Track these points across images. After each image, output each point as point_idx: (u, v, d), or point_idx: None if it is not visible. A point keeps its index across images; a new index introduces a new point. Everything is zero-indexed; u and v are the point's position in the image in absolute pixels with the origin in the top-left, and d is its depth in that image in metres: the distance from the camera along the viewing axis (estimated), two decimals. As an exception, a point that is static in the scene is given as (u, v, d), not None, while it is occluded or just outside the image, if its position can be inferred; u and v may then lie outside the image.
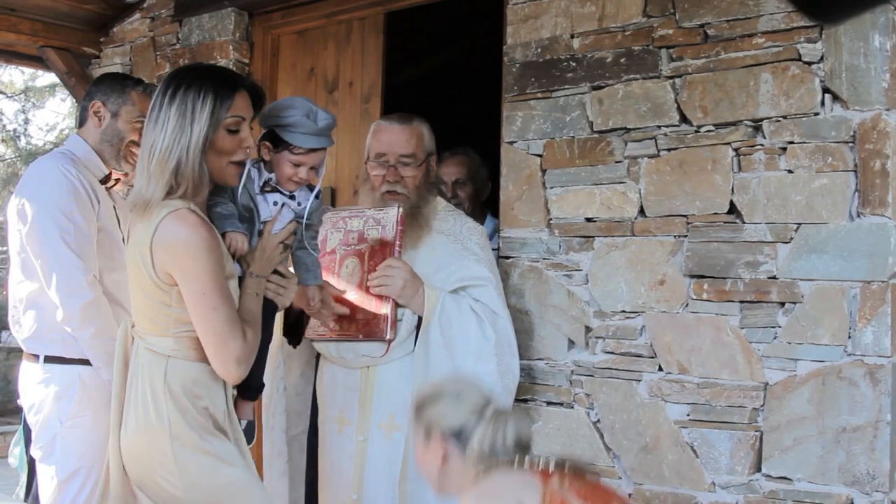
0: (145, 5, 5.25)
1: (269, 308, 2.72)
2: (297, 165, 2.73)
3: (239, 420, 2.73)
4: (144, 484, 2.48)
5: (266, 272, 2.66)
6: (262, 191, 2.70)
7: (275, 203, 2.72)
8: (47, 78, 12.71)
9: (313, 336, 3.29)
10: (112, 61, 5.39)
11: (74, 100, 5.58)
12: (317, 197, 2.85)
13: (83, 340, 3.15)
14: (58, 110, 12.29)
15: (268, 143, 2.75)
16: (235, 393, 2.74)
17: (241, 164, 2.56)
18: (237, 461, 2.51)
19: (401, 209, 3.27)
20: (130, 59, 5.33)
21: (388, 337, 3.23)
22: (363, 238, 3.32)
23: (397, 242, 3.28)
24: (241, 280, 2.61)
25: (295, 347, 3.35)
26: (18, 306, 3.29)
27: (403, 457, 3.25)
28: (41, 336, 3.22)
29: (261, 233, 2.70)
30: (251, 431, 2.85)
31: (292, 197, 2.76)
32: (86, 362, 3.20)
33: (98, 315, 3.14)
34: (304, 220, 2.80)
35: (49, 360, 3.21)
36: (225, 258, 2.47)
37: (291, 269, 2.89)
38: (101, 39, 5.46)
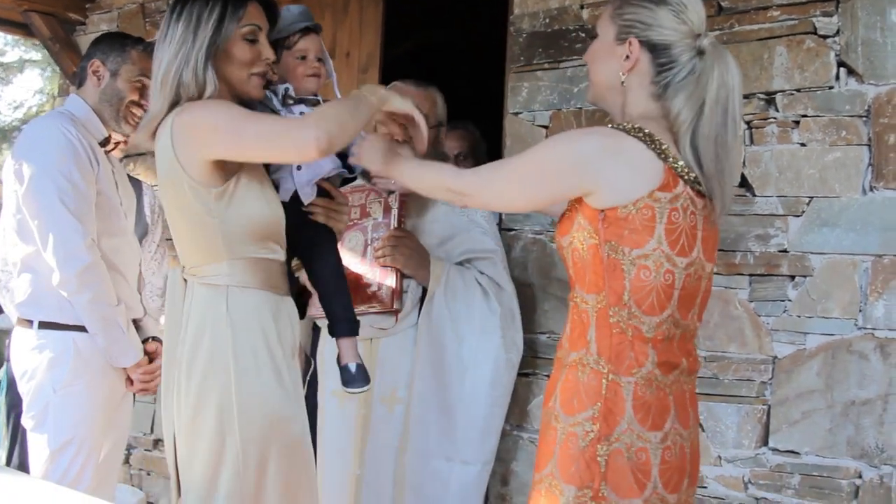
0: (133, -29, 5.15)
1: (326, 234, 2.59)
2: (302, 58, 2.62)
3: (345, 366, 2.59)
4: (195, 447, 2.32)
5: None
6: (285, 104, 2.57)
7: (301, 113, 2.56)
8: (15, 53, 12.47)
9: (317, 314, 3.20)
10: (98, 28, 5.26)
11: (58, 67, 5.45)
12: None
13: (79, 305, 3.05)
14: (28, 86, 12.06)
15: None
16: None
17: (264, 76, 2.44)
18: (303, 418, 2.40)
19: None
20: (118, 26, 5.21)
21: (395, 307, 3.18)
22: (366, 212, 3.26)
23: (401, 213, 3.22)
24: (286, 206, 2.46)
25: None
26: (12, 270, 3.19)
27: (403, 429, 3.20)
28: (36, 301, 3.11)
29: None
30: (363, 376, 2.60)
31: (316, 103, 2.58)
32: (81, 328, 3.09)
33: (96, 279, 3.05)
34: None
35: (43, 325, 3.10)
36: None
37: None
38: (87, 5, 5.33)
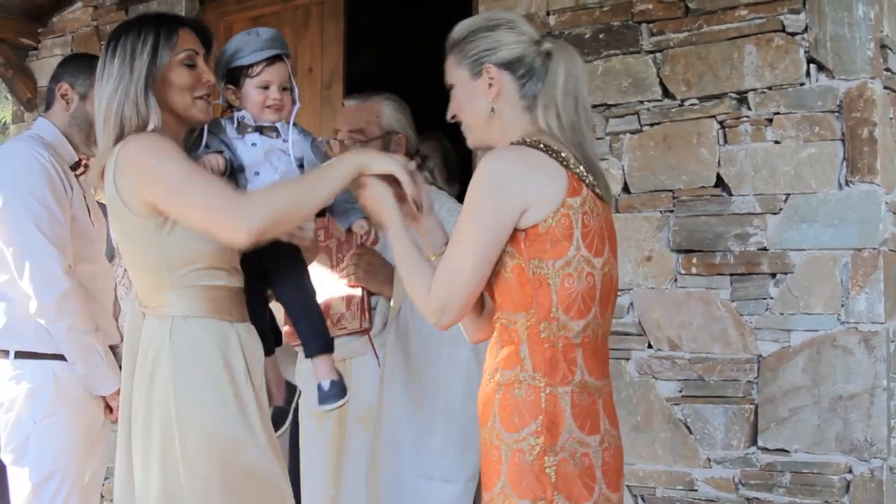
0: (86, -7, 5.06)
1: (292, 253, 2.52)
2: (264, 88, 2.48)
3: (319, 384, 2.52)
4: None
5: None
6: (241, 132, 2.46)
7: (253, 144, 2.45)
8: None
9: (293, 342, 3.12)
10: (52, 52, 5.16)
11: (11, 93, 5.34)
12: (296, 126, 2.55)
13: (58, 333, 2.96)
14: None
15: (230, 86, 2.51)
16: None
17: (207, 99, 2.38)
18: (260, 442, 2.32)
19: None
20: (72, 50, 5.09)
21: (363, 326, 3.12)
22: (329, 233, 3.19)
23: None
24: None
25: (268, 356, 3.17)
26: None
27: (373, 447, 3.15)
28: (12, 330, 3.02)
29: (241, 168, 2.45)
30: (338, 391, 2.54)
31: (274, 131, 2.47)
32: (60, 357, 3.00)
33: (73, 306, 2.96)
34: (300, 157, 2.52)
35: (20, 355, 3.01)
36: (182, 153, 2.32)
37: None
38: (40, 30, 5.22)
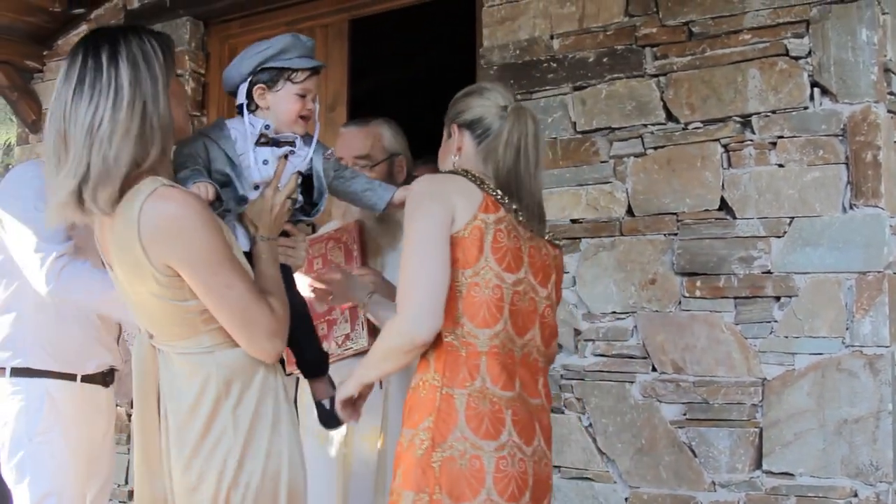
0: (92, 17, 5.09)
1: (284, 273, 2.39)
2: (302, 96, 2.37)
3: (319, 402, 2.50)
4: None
5: (276, 232, 2.30)
6: (258, 143, 2.34)
7: (265, 162, 2.33)
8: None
9: (296, 371, 3.11)
10: (56, 74, 5.15)
11: (16, 115, 5.36)
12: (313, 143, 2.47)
13: (79, 306, 2.91)
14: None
15: (263, 85, 2.36)
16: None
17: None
18: (301, 462, 2.25)
19: (357, 220, 3.14)
20: (77, 73, 5.14)
21: (370, 346, 3.11)
22: (328, 260, 3.18)
23: (362, 252, 3.14)
24: (248, 255, 2.25)
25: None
26: None
27: (379, 466, 3.13)
28: (10, 346, 2.97)
29: (243, 199, 2.32)
30: (332, 416, 2.50)
31: (292, 144, 2.37)
32: (55, 375, 2.98)
33: (78, 280, 2.88)
34: (314, 169, 2.43)
35: (16, 372, 2.99)
36: (225, 230, 2.14)
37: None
38: (45, 53, 5.26)
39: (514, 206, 2.21)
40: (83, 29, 5.12)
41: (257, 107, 2.36)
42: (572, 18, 3.63)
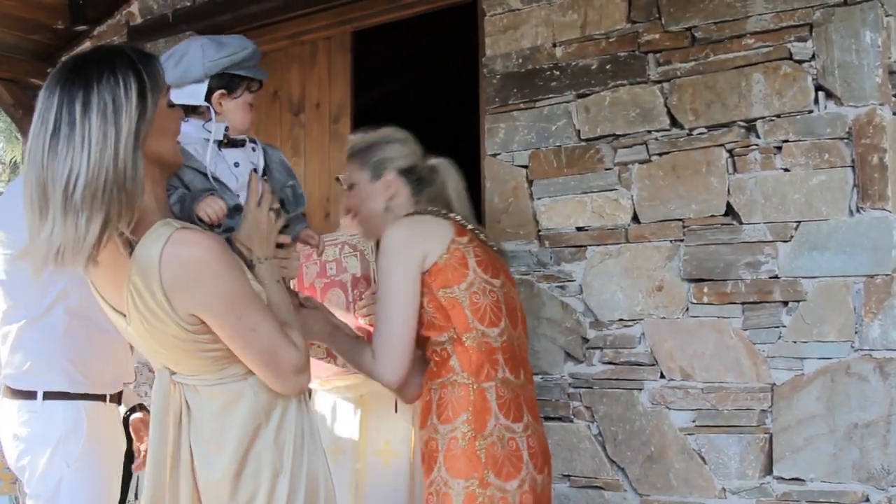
0: (95, 33, 5.11)
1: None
2: (251, 105, 2.37)
3: None
4: None
5: (271, 250, 2.24)
6: (222, 147, 2.28)
7: (236, 164, 2.27)
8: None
9: (314, 385, 3.07)
10: (60, 92, 5.20)
11: (21, 133, 5.37)
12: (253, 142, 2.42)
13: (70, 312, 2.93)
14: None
15: (224, 90, 2.30)
16: None
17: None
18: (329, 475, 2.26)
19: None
20: (81, 89, 5.15)
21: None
22: (342, 267, 3.15)
23: (373, 267, 3.11)
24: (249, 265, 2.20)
25: None
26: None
27: (408, 487, 3.11)
28: (39, 370, 2.91)
29: (238, 207, 2.24)
30: None
31: (242, 143, 2.34)
32: (90, 397, 2.93)
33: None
34: (261, 169, 2.39)
35: (49, 396, 2.90)
36: (243, 267, 2.11)
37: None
38: (49, 70, 5.26)
39: (472, 226, 2.61)
40: (86, 46, 5.14)
41: (201, 111, 2.30)
42: (574, 26, 3.62)
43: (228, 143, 2.28)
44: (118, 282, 1.98)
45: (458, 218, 2.59)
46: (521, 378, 2.51)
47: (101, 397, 3.00)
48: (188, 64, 2.29)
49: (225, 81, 2.30)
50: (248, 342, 2.02)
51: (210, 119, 2.29)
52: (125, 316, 2.02)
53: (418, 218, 2.60)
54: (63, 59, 5.23)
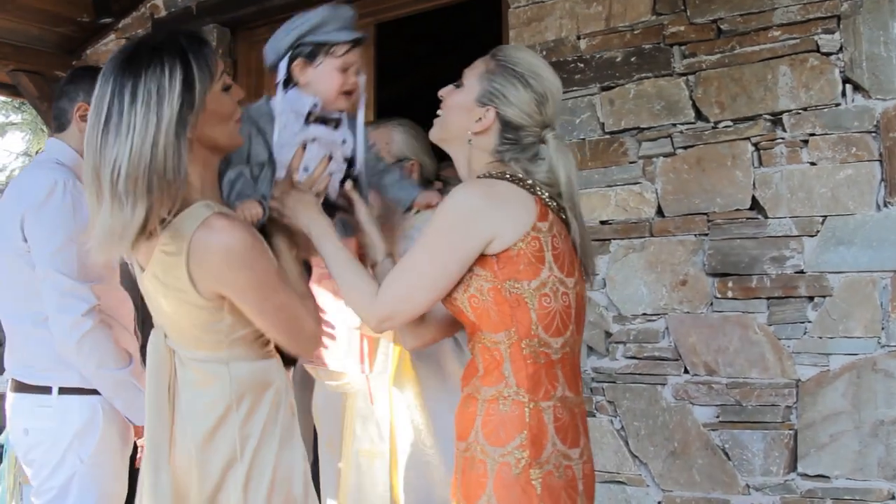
0: (120, 26, 5.12)
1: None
2: (343, 71, 2.26)
3: None
4: None
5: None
6: (307, 121, 2.24)
7: (313, 140, 2.23)
8: (-3, 117, 12.47)
9: (305, 361, 3.05)
10: (86, 85, 5.23)
11: (46, 125, 5.40)
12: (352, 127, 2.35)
13: (87, 373, 2.85)
14: (10, 149, 12.03)
15: (300, 60, 2.25)
16: None
17: (239, 122, 2.14)
18: (308, 477, 2.26)
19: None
20: (106, 82, 5.18)
21: (364, 372, 3.05)
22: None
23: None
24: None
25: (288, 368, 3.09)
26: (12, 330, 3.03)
27: (389, 482, 3.08)
28: (55, 366, 2.86)
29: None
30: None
31: (337, 125, 2.28)
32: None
33: (97, 346, 2.79)
34: (355, 162, 2.33)
35: (64, 391, 2.88)
36: (267, 249, 2.12)
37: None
38: (74, 62, 5.30)
39: (556, 204, 2.10)
40: (111, 38, 5.18)
41: (297, 83, 2.26)
42: (599, 18, 3.60)
43: (315, 119, 2.25)
44: (148, 243, 2.02)
45: (544, 194, 2.08)
46: (577, 393, 2.15)
47: None
48: (270, 42, 2.31)
49: (302, 51, 2.27)
50: (273, 320, 2.07)
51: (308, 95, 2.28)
52: (143, 271, 2.09)
53: (501, 187, 2.07)
54: (89, 51, 5.27)
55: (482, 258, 2.03)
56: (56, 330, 2.81)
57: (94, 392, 2.87)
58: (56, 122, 3.08)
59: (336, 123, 2.28)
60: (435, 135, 2.28)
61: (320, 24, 2.25)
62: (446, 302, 2.16)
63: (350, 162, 2.33)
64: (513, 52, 2.16)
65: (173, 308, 2.08)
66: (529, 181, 2.07)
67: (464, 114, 2.15)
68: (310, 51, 2.25)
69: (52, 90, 5.20)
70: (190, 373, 2.14)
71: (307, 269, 2.42)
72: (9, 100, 10.64)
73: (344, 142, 2.31)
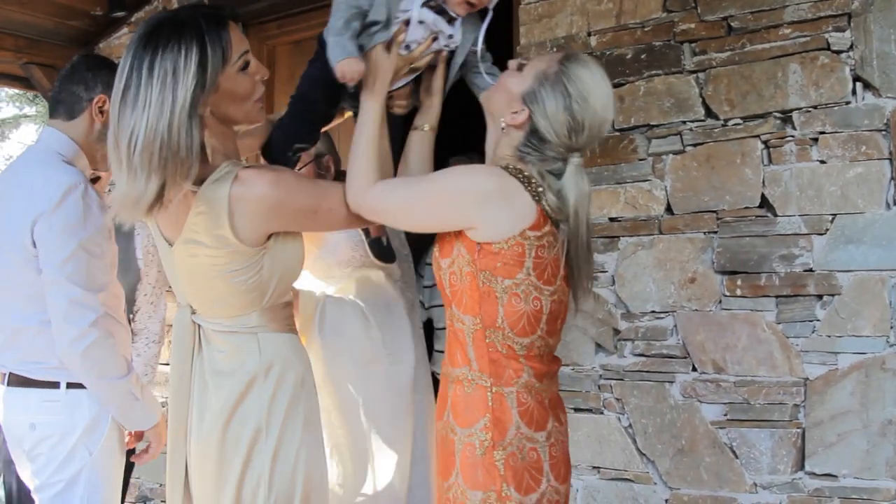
0: (133, 19, 5.13)
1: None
2: None
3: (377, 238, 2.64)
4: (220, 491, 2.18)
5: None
6: (425, 5, 2.18)
7: (421, 22, 2.18)
8: (10, 109, 12.49)
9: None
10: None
11: (59, 119, 5.41)
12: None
13: (87, 383, 2.85)
14: (24, 141, 12.06)
15: None
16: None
17: (262, 100, 2.19)
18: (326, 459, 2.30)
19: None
20: (119, 76, 5.19)
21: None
22: None
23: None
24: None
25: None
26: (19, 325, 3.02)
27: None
28: (60, 364, 2.83)
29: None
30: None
31: (451, 21, 2.23)
32: None
33: (99, 357, 2.74)
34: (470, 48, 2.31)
35: (72, 385, 2.85)
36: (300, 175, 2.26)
37: None
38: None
39: (558, 217, 2.10)
40: (124, 32, 5.19)
41: None
42: (609, 15, 3.59)
43: (434, 7, 2.21)
44: (178, 213, 2.10)
45: (549, 205, 2.08)
46: (544, 381, 2.17)
47: None
48: None
49: None
50: (325, 223, 2.20)
51: None
52: (171, 245, 2.16)
53: (510, 186, 2.08)
54: (102, 44, 5.28)
55: (468, 242, 2.09)
56: (61, 338, 2.77)
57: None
58: (64, 108, 2.94)
59: (450, 19, 2.23)
60: (482, 100, 2.32)
61: None
62: (434, 263, 2.24)
63: (451, 53, 2.31)
64: (578, 68, 2.11)
65: (208, 272, 2.13)
66: (540, 187, 2.07)
67: (506, 100, 2.17)
68: None
69: (65, 83, 5.22)
70: (216, 346, 2.20)
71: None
72: (22, 92, 10.66)
73: (450, 36, 2.27)
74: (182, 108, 1.94)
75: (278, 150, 2.36)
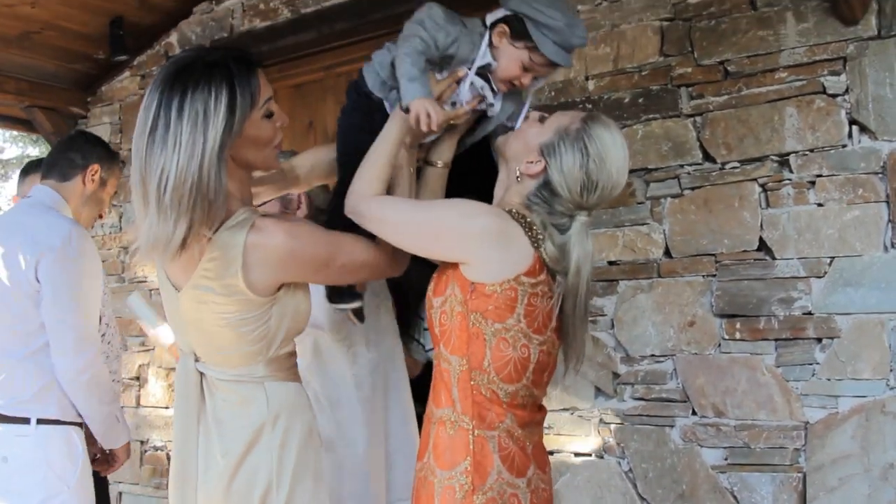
0: (135, 63, 5.18)
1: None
2: (526, 70, 2.23)
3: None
4: None
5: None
6: (477, 72, 2.23)
7: (471, 84, 2.23)
8: (14, 150, 12.55)
9: None
10: (100, 120, 5.28)
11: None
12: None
13: (85, 406, 3.07)
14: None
15: (506, 28, 2.22)
16: None
17: (279, 146, 2.17)
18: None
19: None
20: (120, 118, 5.23)
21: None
22: None
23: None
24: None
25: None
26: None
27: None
28: (38, 397, 3.03)
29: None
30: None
31: (495, 92, 2.28)
32: (76, 424, 3.08)
33: (100, 384, 3.08)
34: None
35: (42, 422, 3.02)
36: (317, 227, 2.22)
37: None
38: (89, 99, 5.36)
39: (556, 267, 2.09)
40: (126, 75, 5.23)
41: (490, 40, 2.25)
42: (606, 59, 3.62)
43: (482, 75, 2.25)
44: (188, 258, 2.05)
45: (547, 254, 2.07)
46: (527, 429, 2.15)
47: (81, 425, 3.12)
48: None
49: (515, 24, 2.23)
50: (336, 275, 2.19)
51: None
52: (178, 291, 2.13)
53: (512, 231, 2.08)
54: (104, 87, 5.32)
55: (462, 280, 2.07)
56: (67, 370, 3.00)
57: (72, 423, 3.05)
58: (58, 171, 3.28)
59: (495, 91, 2.27)
60: (498, 145, 2.30)
61: (549, 27, 2.20)
62: (427, 302, 2.23)
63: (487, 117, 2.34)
64: (599, 128, 2.11)
65: (216, 320, 2.09)
66: (540, 235, 2.07)
67: (523, 148, 2.17)
68: (520, 29, 2.21)
69: (68, 125, 5.27)
70: (221, 395, 2.16)
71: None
72: (24, 134, 10.73)
73: (492, 105, 2.29)
74: (212, 150, 1.92)
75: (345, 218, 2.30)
